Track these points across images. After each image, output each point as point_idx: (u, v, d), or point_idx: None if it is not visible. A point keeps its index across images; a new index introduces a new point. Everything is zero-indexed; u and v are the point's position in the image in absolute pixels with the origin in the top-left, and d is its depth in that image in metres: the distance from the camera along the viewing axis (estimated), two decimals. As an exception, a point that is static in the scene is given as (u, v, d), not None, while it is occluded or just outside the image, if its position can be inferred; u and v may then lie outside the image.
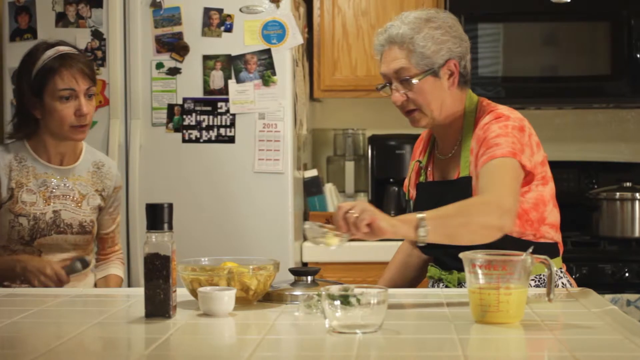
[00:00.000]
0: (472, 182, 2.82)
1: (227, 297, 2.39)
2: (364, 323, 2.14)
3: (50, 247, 3.23)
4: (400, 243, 3.21)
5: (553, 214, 2.90)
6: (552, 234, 2.88)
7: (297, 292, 2.60)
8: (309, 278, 2.69)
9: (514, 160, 2.72)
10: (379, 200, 4.78)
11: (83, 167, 3.34)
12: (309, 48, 4.79)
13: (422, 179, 3.05)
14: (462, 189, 2.83)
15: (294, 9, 4.29)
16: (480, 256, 2.27)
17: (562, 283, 2.90)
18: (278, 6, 4.19)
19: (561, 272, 2.93)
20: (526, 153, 2.77)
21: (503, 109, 2.89)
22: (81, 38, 4.25)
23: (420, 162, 3.06)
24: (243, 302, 2.50)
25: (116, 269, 3.46)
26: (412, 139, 4.72)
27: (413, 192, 3.09)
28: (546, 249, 2.80)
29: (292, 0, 4.25)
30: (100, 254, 3.48)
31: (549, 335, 2.15)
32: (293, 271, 2.73)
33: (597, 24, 4.66)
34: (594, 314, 2.41)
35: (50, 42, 3.26)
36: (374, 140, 4.83)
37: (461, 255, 2.33)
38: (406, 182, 3.16)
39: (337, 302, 2.15)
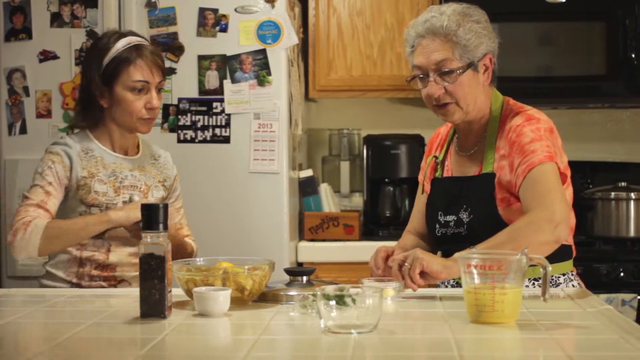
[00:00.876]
0: (495, 179, 2.83)
1: (222, 297, 2.39)
2: (359, 323, 2.14)
3: (119, 239, 3.15)
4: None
5: (571, 218, 2.89)
6: (568, 237, 2.89)
7: (293, 292, 2.60)
8: (304, 278, 2.69)
9: (552, 164, 2.74)
10: (374, 200, 4.77)
11: (144, 158, 3.30)
12: (304, 48, 4.79)
13: (437, 174, 3.04)
14: (483, 184, 2.83)
15: (289, 9, 4.29)
16: (475, 256, 2.28)
17: (573, 285, 2.90)
18: (273, 6, 4.19)
19: (572, 275, 2.92)
20: (558, 155, 2.79)
21: (532, 111, 2.89)
22: (76, 38, 4.25)
23: (436, 157, 3.05)
24: (238, 302, 2.50)
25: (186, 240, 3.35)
26: (407, 138, 4.76)
27: (428, 187, 3.08)
28: (560, 251, 2.80)
29: (287, 0, 4.25)
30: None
31: (545, 335, 2.15)
32: (288, 271, 2.73)
33: (592, 24, 4.66)
34: (589, 313, 2.41)
35: (121, 32, 3.22)
36: (369, 140, 4.82)
37: (456, 255, 2.33)
38: (421, 177, 3.13)
39: (333, 302, 2.15)
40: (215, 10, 4.22)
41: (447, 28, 2.81)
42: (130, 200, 3.13)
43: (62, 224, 3.08)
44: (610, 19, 4.62)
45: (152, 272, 2.34)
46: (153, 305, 2.34)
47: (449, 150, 3.05)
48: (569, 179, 2.87)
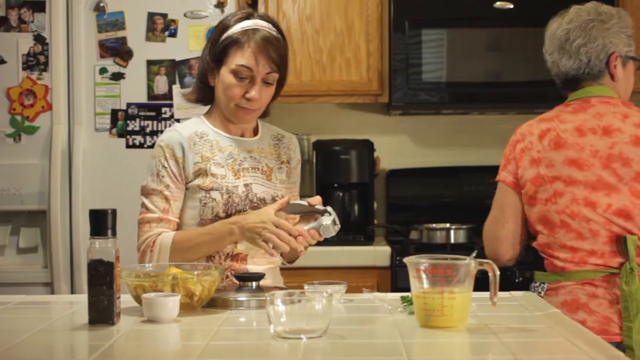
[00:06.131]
0: None
1: (171, 303, 2.38)
2: (309, 328, 2.15)
3: None
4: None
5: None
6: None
7: (242, 298, 2.59)
8: (254, 283, 2.69)
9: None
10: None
11: (265, 139, 3.14)
12: (253, 53, 4.78)
13: None
14: None
15: (239, 14, 4.28)
16: (424, 261, 2.28)
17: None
18: (223, 11, 4.19)
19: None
20: (510, 167, 2.99)
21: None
22: (23, 42, 4.22)
23: None
24: (187, 308, 2.49)
25: None
26: (356, 144, 4.77)
27: None
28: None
29: (237, 4, 4.24)
30: None
31: (493, 339, 2.16)
32: (237, 277, 2.72)
33: (540, 30, 4.66)
34: (537, 317, 2.43)
35: (252, 12, 3.05)
36: (319, 145, 4.83)
37: (405, 260, 2.33)
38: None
39: (282, 308, 2.15)
40: (164, 15, 4.21)
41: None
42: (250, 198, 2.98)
43: (191, 235, 2.94)
44: (558, 25, 4.66)
45: (100, 278, 2.32)
46: (102, 312, 2.32)
47: None
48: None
